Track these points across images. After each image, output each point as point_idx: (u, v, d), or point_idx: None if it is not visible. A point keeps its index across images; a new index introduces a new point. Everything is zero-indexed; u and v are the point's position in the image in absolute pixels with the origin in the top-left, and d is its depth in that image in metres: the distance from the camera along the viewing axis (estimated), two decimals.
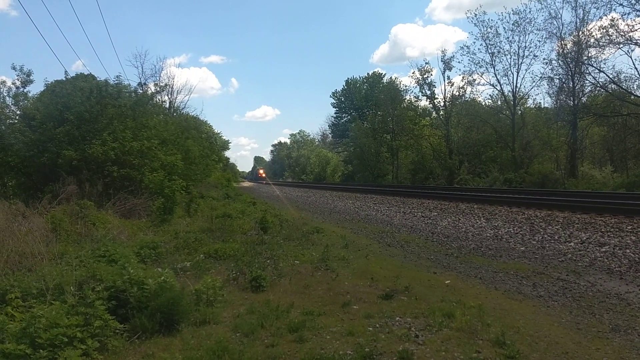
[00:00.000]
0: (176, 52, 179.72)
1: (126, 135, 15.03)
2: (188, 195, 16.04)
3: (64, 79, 18.94)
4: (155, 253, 8.44)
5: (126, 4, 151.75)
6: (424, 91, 44.13)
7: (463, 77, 39.87)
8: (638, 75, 28.05)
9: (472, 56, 37.69)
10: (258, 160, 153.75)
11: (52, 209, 10.88)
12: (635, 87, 28.86)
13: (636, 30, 26.28)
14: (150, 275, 5.46)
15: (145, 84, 38.16)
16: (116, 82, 18.60)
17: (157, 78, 40.98)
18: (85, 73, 22.35)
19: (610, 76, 28.70)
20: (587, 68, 29.89)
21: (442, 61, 41.17)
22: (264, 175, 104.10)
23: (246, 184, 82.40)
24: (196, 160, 23.80)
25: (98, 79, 20.35)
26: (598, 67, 29.06)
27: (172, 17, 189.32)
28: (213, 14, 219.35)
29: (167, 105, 41.32)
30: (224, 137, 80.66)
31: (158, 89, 36.86)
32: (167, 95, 42.07)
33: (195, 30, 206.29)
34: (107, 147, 14.25)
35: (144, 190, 14.64)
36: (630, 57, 35.53)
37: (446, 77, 41.98)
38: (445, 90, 42.29)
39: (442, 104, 43.00)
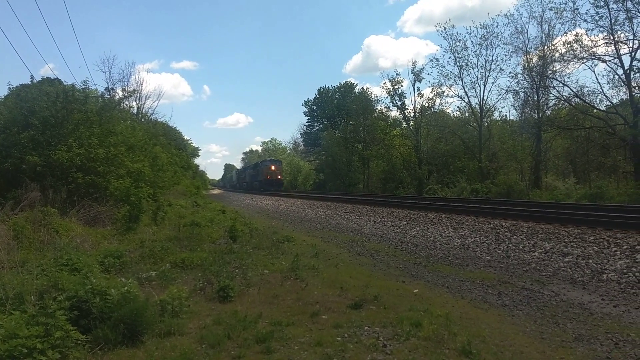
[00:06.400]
0: (146, 57, 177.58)
1: (92, 141, 14.69)
2: (155, 203, 15.74)
3: (29, 83, 18.43)
4: (120, 262, 8.25)
5: (95, 9, 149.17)
6: (394, 102, 44.65)
7: (432, 89, 40.51)
8: (601, 90, 29.00)
9: (441, 68, 38.32)
10: (229, 167, 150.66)
11: (15, 216, 10.57)
12: (597, 101, 29.70)
13: (599, 46, 27.20)
14: (114, 285, 5.33)
15: (112, 89, 37.41)
16: (83, 87, 18.23)
17: (126, 83, 40.23)
18: (52, 78, 21.79)
19: (574, 90, 29.51)
20: (551, 82, 30.72)
21: (412, 73, 41.81)
22: (279, 175, 59.09)
23: (215, 191, 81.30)
24: (164, 168, 23.43)
25: (65, 83, 19.90)
26: (562, 81, 29.91)
27: (142, 21, 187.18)
28: (184, 18, 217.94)
29: (135, 111, 40.55)
30: (193, 144, 79.95)
31: (126, 94, 36.11)
32: (135, 101, 41.31)
33: (166, 35, 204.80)
34: (72, 153, 13.89)
35: (110, 198, 14.32)
36: (594, 71, 36.91)
37: (416, 89, 42.44)
38: (415, 101, 42.90)
39: (412, 114, 43.61)
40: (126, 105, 36.38)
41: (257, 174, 61.90)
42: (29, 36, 67.25)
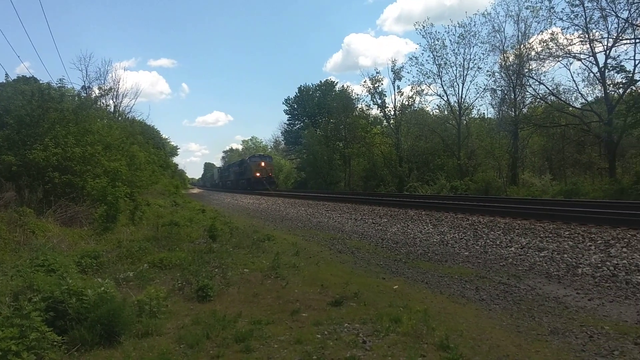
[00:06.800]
0: (124, 55, 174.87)
1: (68, 140, 14.44)
2: (133, 203, 15.51)
3: (4, 81, 18.09)
4: (97, 263, 8.13)
5: (71, 6, 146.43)
6: (375, 100, 44.93)
7: (412, 87, 40.94)
8: (576, 88, 29.65)
9: (420, 67, 38.73)
10: (209, 166, 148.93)
11: None
12: (573, 99, 30.40)
13: (575, 44, 27.81)
14: (90, 285, 5.26)
15: (89, 87, 36.82)
16: (59, 85, 17.90)
17: (103, 81, 39.62)
18: (28, 76, 21.42)
19: (550, 88, 30.18)
20: (527, 80, 31.28)
21: (392, 71, 42.08)
22: (270, 173, 51.61)
23: (195, 190, 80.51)
24: (142, 167, 23.13)
25: (41, 82, 19.54)
26: (538, 80, 30.54)
27: (119, 18, 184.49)
28: (162, 15, 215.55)
29: (112, 109, 39.97)
30: (172, 143, 79.08)
31: (102, 92, 35.55)
32: (112, 99, 40.71)
33: (143, 32, 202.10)
34: (48, 152, 13.63)
35: (86, 198, 14.09)
36: (569, 69, 37.63)
37: (396, 87, 43.12)
38: (395, 99, 43.26)
39: (392, 112, 43.89)
40: (103, 103, 35.91)
41: (244, 172, 55.96)
42: (3, 34, 65.60)
